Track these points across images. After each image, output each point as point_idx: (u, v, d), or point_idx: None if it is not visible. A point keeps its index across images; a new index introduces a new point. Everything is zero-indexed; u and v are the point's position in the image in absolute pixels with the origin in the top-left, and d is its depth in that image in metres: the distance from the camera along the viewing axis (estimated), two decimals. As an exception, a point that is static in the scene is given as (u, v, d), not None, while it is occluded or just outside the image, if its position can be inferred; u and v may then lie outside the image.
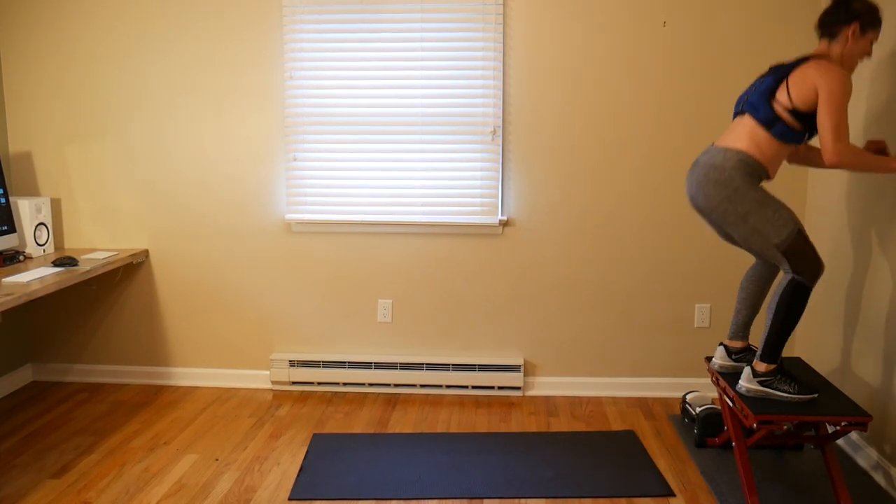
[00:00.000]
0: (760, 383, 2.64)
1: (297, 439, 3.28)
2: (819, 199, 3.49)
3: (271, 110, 3.72)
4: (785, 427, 2.80)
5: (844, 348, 3.20)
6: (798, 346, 3.68)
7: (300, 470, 2.98)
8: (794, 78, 2.56)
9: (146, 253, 3.87)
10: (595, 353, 3.81)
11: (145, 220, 3.85)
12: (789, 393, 2.61)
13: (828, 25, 2.64)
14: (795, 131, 2.59)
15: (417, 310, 3.83)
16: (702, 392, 3.64)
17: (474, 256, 3.77)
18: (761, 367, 2.65)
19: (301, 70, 3.66)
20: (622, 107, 3.62)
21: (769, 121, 2.60)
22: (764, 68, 3.55)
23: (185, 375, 3.94)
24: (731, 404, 2.83)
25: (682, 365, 3.79)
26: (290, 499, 2.76)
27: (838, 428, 2.64)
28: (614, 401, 3.75)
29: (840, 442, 3.23)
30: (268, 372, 3.90)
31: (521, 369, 3.76)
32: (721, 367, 2.94)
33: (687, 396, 3.42)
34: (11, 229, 3.47)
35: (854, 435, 3.13)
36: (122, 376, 3.97)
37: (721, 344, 2.97)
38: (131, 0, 3.69)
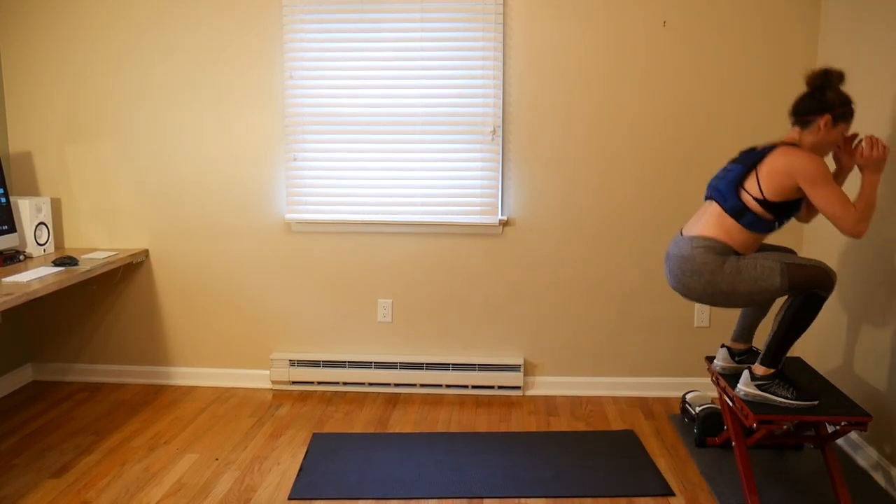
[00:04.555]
0: (758, 387, 2.63)
1: (297, 439, 3.28)
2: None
3: (271, 110, 3.72)
4: (785, 427, 2.80)
5: (844, 348, 3.20)
6: (798, 345, 3.68)
7: (300, 469, 2.98)
8: (764, 168, 2.54)
9: (146, 253, 3.87)
10: (595, 353, 3.81)
11: (145, 220, 3.85)
12: (787, 398, 2.59)
13: (801, 114, 2.61)
14: (766, 221, 2.57)
15: (417, 310, 3.83)
16: (702, 392, 3.64)
17: (474, 256, 3.77)
18: (760, 370, 2.64)
19: (301, 70, 3.66)
20: (622, 106, 3.63)
21: (737, 211, 2.58)
22: (763, 68, 3.55)
23: (185, 375, 3.94)
24: (731, 404, 2.83)
25: (682, 365, 3.79)
26: (289, 498, 2.76)
27: (838, 428, 2.64)
28: (614, 400, 3.75)
29: (840, 442, 3.23)
30: (268, 371, 3.91)
31: (521, 369, 3.76)
32: (723, 368, 2.94)
33: (687, 396, 3.43)
34: (12, 229, 3.47)
35: (854, 435, 3.13)
36: (122, 376, 3.97)
37: (723, 345, 2.96)
38: (131, 0, 3.69)
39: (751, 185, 2.56)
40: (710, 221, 2.63)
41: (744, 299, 2.61)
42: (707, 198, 2.73)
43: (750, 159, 2.60)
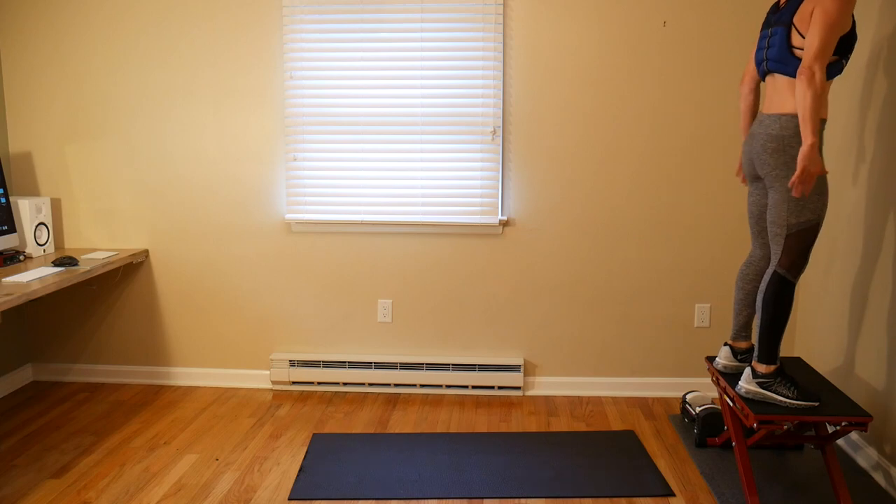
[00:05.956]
0: (760, 385, 2.63)
1: (297, 439, 3.28)
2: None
3: (271, 110, 3.72)
4: (785, 427, 2.80)
5: (845, 348, 3.20)
6: (798, 345, 3.68)
7: (300, 470, 2.98)
8: (799, 17, 2.51)
9: (146, 253, 3.87)
10: (595, 353, 3.81)
11: (145, 220, 3.85)
12: (788, 397, 2.59)
13: None
14: (831, 64, 2.53)
15: (417, 310, 3.83)
16: (702, 392, 3.64)
17: (474, 256, 3.77)
18: (760, 368, 2.64)
19: (301, 70, 3.66)
20: (622, 106, 3.63)
21: None
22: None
23: (185, 375, 3.94)
24: (731, 404, 2.83)
25: (682, 365, 3.79)
26: (290, 499, 2.76)
27: (838, 428, 2.64)
28: (614, 401, 3.75)
29: (840, 442, 3.23)
30: (268, 372, 3.90)
31: (521, 369, 3.76)
32: (725, 367, 2.94)
33: (687, 396, 3.42)
34: (11, 229, 3.47)
35: (854, 435, 3.13)
36: (122, 376, 3.97)
37: (726, 344, 2.96)
38: (132, 0, 3.69)
39: (797, 40, 2.53)
40: (784, 94, 2.59)
41: (779, 198, 2.58)
42: (765, 73, 2.69)
43: (785, 17, 2.57)
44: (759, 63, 2.73)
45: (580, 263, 3.75)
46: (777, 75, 2.63)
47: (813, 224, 2.55)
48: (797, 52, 2.53)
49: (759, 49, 2.73)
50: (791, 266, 2.58)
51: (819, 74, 2.41)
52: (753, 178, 2.78)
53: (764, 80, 2.74)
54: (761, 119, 2.67)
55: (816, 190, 2.54)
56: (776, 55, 2.60)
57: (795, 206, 2.55)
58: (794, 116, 2.55)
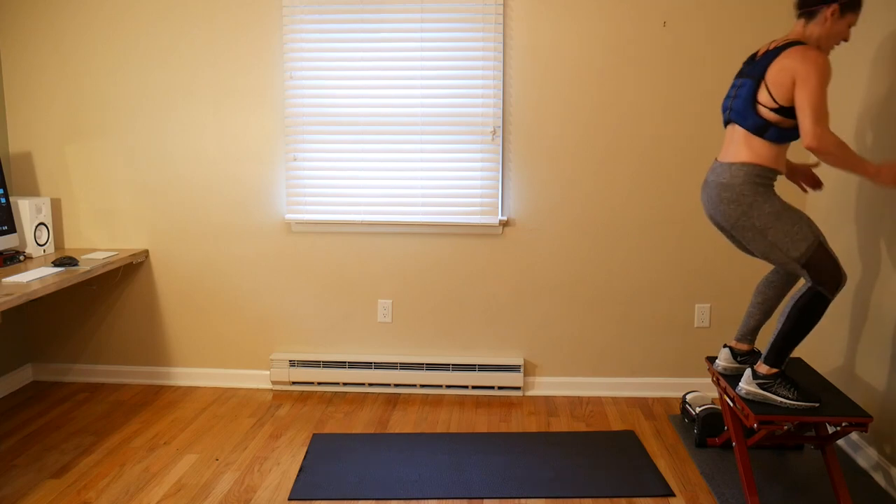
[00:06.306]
0: (760, 385, 2.62)
1: (297, 439, 3.28)
2: (824, 198, 3.49)
3: (271, 110, 3.72)
4: (785, 427, 2.80)
5: (845, 348, 3.20)
6: (799, 345, 3.68)
7: (300, 470, 2.98)
8: (772, 75, 2.50)
9: (146, 253, 3.87)
10: (595, 353, 3.81)
11: (145, 220, 3.85)
12: (788, 398, 2.58)
13: (807, 4, 2.55)
14: (789, 129, 2.53)
15: (417, 310, 3.83)
16: (702, 392, 3.64)
17: (474, 256, 3.77)
18: (763, 369, 2.63)
19: (301, 70, 3.66)
20: (622, 107, 3.63)
21: (759, 128, 2.54)
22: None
23: (185, 375, 3.94)
24: (731, 404, 2.83)
25: (682, 365, 3.79)
26: (290, 499, 2.76)
27: (839, 428, 2.64)
28: (614, 401, 3.75)
29: (840, 442, 3.23)
30: (268, 372, 3.91)
31: (521, 369, 3.76)
32: (725, 368, 2.93)
33: (687, 396, 3.43)
34: (11, 229, 3.47)
35: (854, 435, 3.13)
36: (122, 376, 3.97)
37: (726, 346, 2.96)
38: (132, 0, 3.69)
39: (763, 96, 2.52)
40: (739, 146, 2.59)
41: (763, 246, 2.58)
42: (727, 121, 2.69)
43: (756, 70, 2.56)
44: (724, 110, 2.73)
45: (580, 263, 3.75)
46: (736, 126, 2.63)
47: (815, 245, 2.53)
48: (761, 108, 2.53)
49: (727, 97, 2.73)
50: (826, 281, 2.53)
51: (828, 138, 2.40)
52: (717, 225, 2.76)
53: (725, 128, 2.73)
54: (714, 167, 2.68)
55: (791, 220, 2.54)
56: (739, 106, 2.60)
57: (783, 244, 2.55)
58: (744, 165, 2.56)
